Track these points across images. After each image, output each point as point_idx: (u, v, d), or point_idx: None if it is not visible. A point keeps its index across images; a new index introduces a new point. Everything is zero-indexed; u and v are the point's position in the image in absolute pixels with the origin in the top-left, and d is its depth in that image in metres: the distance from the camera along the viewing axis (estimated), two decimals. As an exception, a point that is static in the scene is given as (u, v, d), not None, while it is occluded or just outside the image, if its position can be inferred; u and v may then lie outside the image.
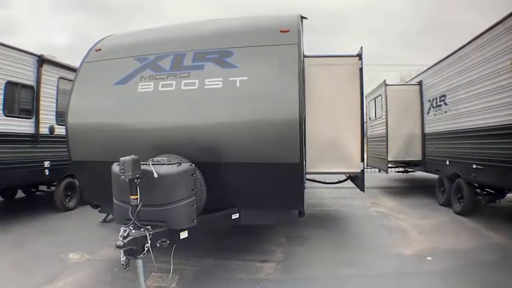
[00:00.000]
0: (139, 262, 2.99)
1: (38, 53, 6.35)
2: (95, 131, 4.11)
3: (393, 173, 11.57)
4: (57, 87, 6.77)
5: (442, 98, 7.35)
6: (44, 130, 6.39)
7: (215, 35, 4.22)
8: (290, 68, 3.61)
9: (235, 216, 4.00)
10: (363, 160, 6.22)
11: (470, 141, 6.09)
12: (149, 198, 3.05)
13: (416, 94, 8.87)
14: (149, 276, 3.83)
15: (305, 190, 8.45)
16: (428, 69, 8.39)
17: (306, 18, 5.02)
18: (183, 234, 3.28)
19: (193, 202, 3.19)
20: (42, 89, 6.32)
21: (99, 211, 4.97)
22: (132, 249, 2.87)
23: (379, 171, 11.47)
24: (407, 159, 9.25)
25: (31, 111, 6.20)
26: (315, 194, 8.99)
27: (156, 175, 3.00)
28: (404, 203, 7.99)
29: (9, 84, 5.67)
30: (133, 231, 2.94)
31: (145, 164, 3.09)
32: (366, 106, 12.44)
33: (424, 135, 8.59)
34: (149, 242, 2.91)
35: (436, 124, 7.77)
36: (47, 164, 6.38)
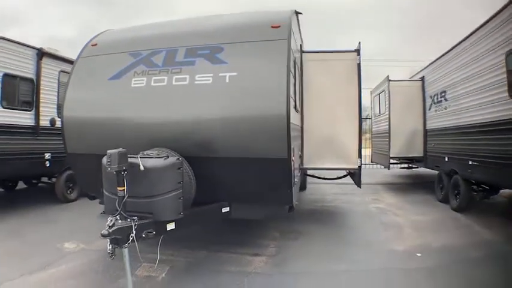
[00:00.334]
0: (125, 251, 3.06)
1: (43, 45, 6.47)
2: (89, 124, 4.19)
3: (397, 169, 11.60)
4: (59, 80, 6.87)
5: (443, 94, 7.29)
6: (44, 122, 6.51)
7: (207, 31, 4.24)
8: (278, 64, 3.62)
9: (225, 210, 4.05)
10: (360, 156, 6.24)
11: (466, 137, 6.07)
12: (137, 190, 3.12)
13: (418, 90, 8.80)
14: (140, 266, 3.93)
15: (306, 185, 8.66)
16: (429, 64, 8.31)
17: (300, 13, 5.02)
18: (170, 226, 3.34)
19: (179, 195, 3.25)
20: (42, 82, 6.42)
21: (100, 203, 5.07)
22: (118, 239, 2.94)
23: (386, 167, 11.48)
24: (409, 156, 9.24)
25: (31, 103, 6.32)
26: (317, 190, 9.05)
27: (142, 168, 3.07)
28: (405, 199, 8.01)
29: (7, 77, 5.77)
30: (120, 221, 3.01)
31: (133, 157, 3.14)
32: (372, 101, 12.40)
33: (426, 131, 8.53)
34: (134, 232, 2.97)
35: (437, 120, 7.73)
36: (47, 155, 6.51)
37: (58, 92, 6.85)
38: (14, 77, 5.93)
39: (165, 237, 4.65)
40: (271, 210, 4.24)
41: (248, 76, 3.68)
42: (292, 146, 3.90)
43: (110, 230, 2.90)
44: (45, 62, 6.50)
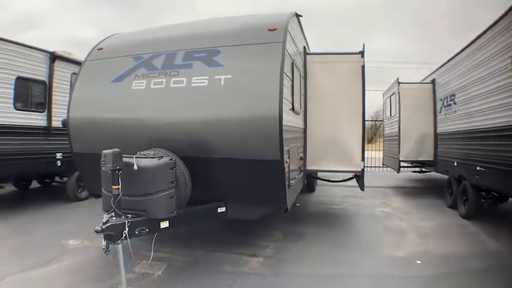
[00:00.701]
0: (119, 248, 3.17)
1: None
2: (93, 125, 4.35)
3: (410, 173, 11.40)
4: (71, 82, 7.11)
5: (452, 97, 7.13)
6: (56, 123, 6.76)
7: (206, 34, 4.34)
8: (272, 66, 3.66)
9: (221, 209, 4.11)
10: (363, 159, 6.19)
11: (474, 142, 5.91)
12: (131, 189, 3.24)
13: (429, 93, 8.64)
14: (139, 263, 4.03)
15: (315, 188, 8.62)
16: (440, 66, 8.14)
17: (301, 16, 5.05)
18: (164, 224, 3.43)
19: (172, 194, 3.34)
20: (54, 84, 6.69)
21: None
22: (111, 235, 3.07)
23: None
24: (419, 159, 9.07)
25: (43, 105, 6.59)
26: (327, 192, 9.03)
27: (136, 167, 3.18)
28: (413, 203, 7.87)
29: (20, 80, 6.04)
30: (114, 218, 3.13)
31: (128, 157, 3.25)
32: (383, 104, 12.25)
33: (436, 135, 8.35)
34: (127, 229, 3.07)
35: (447, 124, 7.56)
36: (59, 155, 6.76)
37: (70, 94, 7.09)
38: (26, 80, 6.20)
39: (165, 235, 4.82)
40: (266, 211, 4.25)
41: (242, 78, 3.74)
42: (287, 148, 3.93)
43: (104, 227, 3.03)
44: (58, 64, 6.77)
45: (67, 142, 6.54)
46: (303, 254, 4.58)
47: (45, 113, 6.61)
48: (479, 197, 5.91)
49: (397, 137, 9.07)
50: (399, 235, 5.45)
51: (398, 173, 9.76)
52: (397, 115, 9.12)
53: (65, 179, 7.43)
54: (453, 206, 6.96)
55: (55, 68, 6.69)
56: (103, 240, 3.12)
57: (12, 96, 5.90)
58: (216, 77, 3.79)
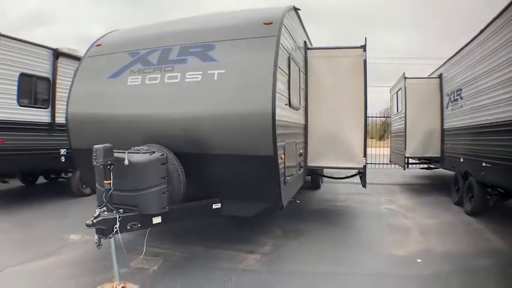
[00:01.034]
0: (112, 242, 3.20)
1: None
2: (90, 121, 4.39)
3: (417, 169, 11.21)
4: (74, 79, 7.21)
5: (459, 92, 6.95)
6: (60, 119, 6.85)
7: (201, 29, 4.31)
8: (265, 61, 3.60)
9: (216, 206, 4.09)
10: (365, 156, 6.08)
11: (480, 137, 5.75)
12: (123, 184, 3.26)
13: (436, 88, 8.46)
14: (136, 258, 4.05)
15: (320, 185, 8.53)
16: (447, 61, 7.93)
17: (299, 9, 4.96)
18: (156, 220, 3.43)
19: (163, 190, 3.33)
20: (58, 81, 6.77)
21: None
22: (102, 229, 3.10)
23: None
24: (426, 156, 8.90)
25: (47, 101, 6.68)
26: (332, 189, 8.95)
27: (127, 162, 3.18)
28: (419, 200, 7.75)
29: (24, 76, 6.13)
30: (106, 212, 3.15)
31: (120, 152, 3.26)
32: (390, 99, 12.06)
33: (443, 130, 8.16)
34: (118, 223, 3.08)
35: (453, 119, 7.40)
36: (63, 151, 6.85)
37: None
38: (30, 76, 6.29)
39: (165, 231, 4.85)
40: (262, 208, 4.21)
41: (236, 73, 3.70)
42: (282, 144, 3.88)
43: (95, 221, 3.05)
44: (61, 61, 6.85)
45: (70, 138, 6.69)
46: (302, 251, 4.53)
47: (49, 110, 6.71)
48: (485, 193, 5.77)
49: (403, 133, 8.91)
50: (402, 233, 5.35)
51: (404, 169, 9.60)
52: (403, 111, 8.95)
53: (70, 174, 7.53)
54: (459, 203, 6.83)
55: (58, 64, 6.78)
56: (95, 234, 3.15)
57: (15, 92, 6.00)
58: (209, 72, 3.76)
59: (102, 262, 3.97)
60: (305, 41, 6.05)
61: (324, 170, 7.99)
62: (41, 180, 8.89)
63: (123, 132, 4.08)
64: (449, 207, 6.97)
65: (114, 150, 3.22)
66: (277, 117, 3.53)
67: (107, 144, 3.14)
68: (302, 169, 5.69)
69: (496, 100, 5.07)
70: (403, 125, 8.89)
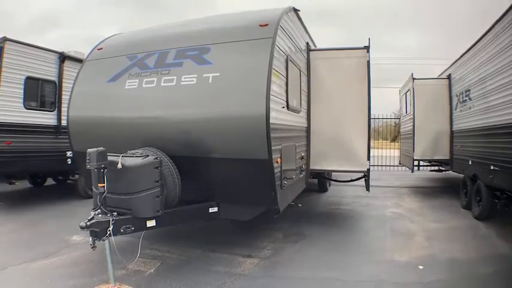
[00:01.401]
0: (106, 244, 3.23)
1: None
2: (91, 124, 4.46)
3: (428, 172, 10.99)
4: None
5: (467, 93, 6.77)
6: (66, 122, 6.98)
7: (198, 32, 4.31)
8: (260, 63, 3.57)
9: (212, 209, 4.09)
10: (369, 159, 5.97)
11: (488, 139, 5.59)
12: (117, 187, 3.30)
13: (445, 88, 8.26)
14: (134, 260, 4.07)
15: (327, 188, 8.43)
16: (456, 61, 7.73)
17: (299, 10, 4.91)
18: (150, 223, 3.45)
19: (157, 193, 3.34)
20: (64, 84, 6.89)
21: None
22: (96, 231, 3.13)
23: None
24: (435, 158, 8.69)
25: (53, 104, 6.81)
26: (338, 192, 8.84)
27: (120, 166, 3.21)
28: (426, 204, 7.57)
29: (30, 80, 6.26)
30: (100, 215, 3.18)
31: (114, 156, 3.29)
32: (399, 101, 11.85)
33: (452, 132, 7.95)
34: (111, 226, 3.11)
35: (462, 121, 7.22)
36: (69, 153, 6.96)
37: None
38: (36, 79, 6.43)
39: (165, 234, 4.86)
40: (259, 212, 4.18)
41: (230, 76, 3.69)
42: (278, 147, 3.84)
43: (88, 223, 3.09)
44: (67, 65, 6.99)
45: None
46: (301, 256, 4.46)
47: (55, 112, 6.84)
48: (493, 197, 5.59)
49: (411, 135, 8.74)
50: (406, 238, 5.22)
51: (412, 172, 9.41)
52: (412, 112, 8.77)
53: (77, 176, 7.66)
54: (467, 207, 6.65)
55: (64, 68, 6.91)
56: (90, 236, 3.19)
57: (22, 95, 6.13)
58: (204, 75, 3.75)
59: (100, 263, 4.00)
60: (307, 43, 5.99)
61: (332, 173, 7.92)
62: (50, 182, 9.07)
63: (122, 136, 4.12)
64: (457, 211, 6.79)
65: (109, 154, 3.25)
66: (271, 120, 3.50)
67: (100, 148, 3.17)
68: (304, 172, 5.63)
69: (504, 101, 4.90)
70: (412, 127, 8.72)
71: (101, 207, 3.19)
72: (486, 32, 5.66)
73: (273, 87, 3.63)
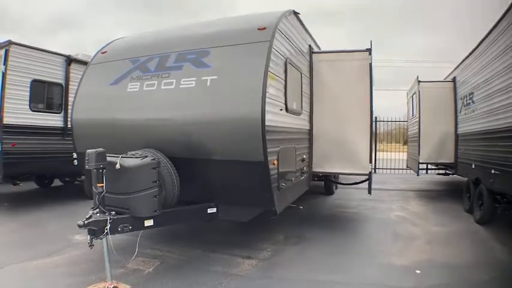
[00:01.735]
0: (104, 243, 3.30)
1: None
2: (94, 126, 4.57)
3: (435, 175, 10.89)
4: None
5: (471, 96, 6.71)
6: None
7: (198, 36, 4.39)
8: (256, 66, 3.63)
9: (211, 210, 4.13)
10: (371, 161, 5.96)
11: (489, 143, 5.54)
12: (116, 187, 3.38)
13: (450, 91, 8.21)
14: (134, 259, 4.12)
15: (333, 190, 8.40)
16: (460, 63, 7.67)
17: (298, 13, 4.94)
18: (148, 223, 3.51)
19: (155, 193, 3.41)
20: (70, 87, 7.03)
21: None
22: (94, 230, 3.21)
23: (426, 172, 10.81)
24: (440, 161, 8.62)
25: (60, 106, 6.96)
26: (344, 195, 8.82)
27: (118, 166, 3.28)
28: (430, 207, 7.52)
29: (36, 82, 6.42)
30: (98, 214, 3.26)
31: (112, 156, 3.37)
32: (406, 104, 11.79)
33: (457, 136, 7.88)
34: (109, 225, 3.18)
35: (465, 124, 7.17)
36: (75, 155, 7.09)
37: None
38: (42, 82, 6.59)
39: (167, 233, 4.90)
40: (257, 213, 4.21)
41: (228, 79, 3.74)
42: (275, 149, 3.88)
43: (86, 222, 3.17)
44: (74, 67, 7.14)
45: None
46: (301, 258, 4.46)
47: (62, 114, 6.99)
48: (494, 201, 5.53)
49: (416, 138, 8.68)
50: (407, 241, 5.19)
51: (418, 175, 9.34)
52: (418, 115, 8.72)
53: (83, 177, 7.78)
54: (470, 211, 6.60)
55: (71, 70, 7.06)
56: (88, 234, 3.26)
57: (27, 98, 6.28)
58: (203, 78, 3.82)
59: (100, 263, 4.04)
60: (310, 45, 6.02)
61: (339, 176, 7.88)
62: (57, 183, 9.23)
63: (123, 138, 4.21)
64: (459, 215, 6.73)
65: (108, 155, 3.33)
66: (267, 123, 3.54)
67: (99, 149, 3.26)
68: (306, 175, 5.63)
69: (503, 105, 4.86)
70: (418, 130, 8.66)
71: (100, 206, 3.26)
72: (487, 35, 5.62)
73: (270, 90, 3.67)
